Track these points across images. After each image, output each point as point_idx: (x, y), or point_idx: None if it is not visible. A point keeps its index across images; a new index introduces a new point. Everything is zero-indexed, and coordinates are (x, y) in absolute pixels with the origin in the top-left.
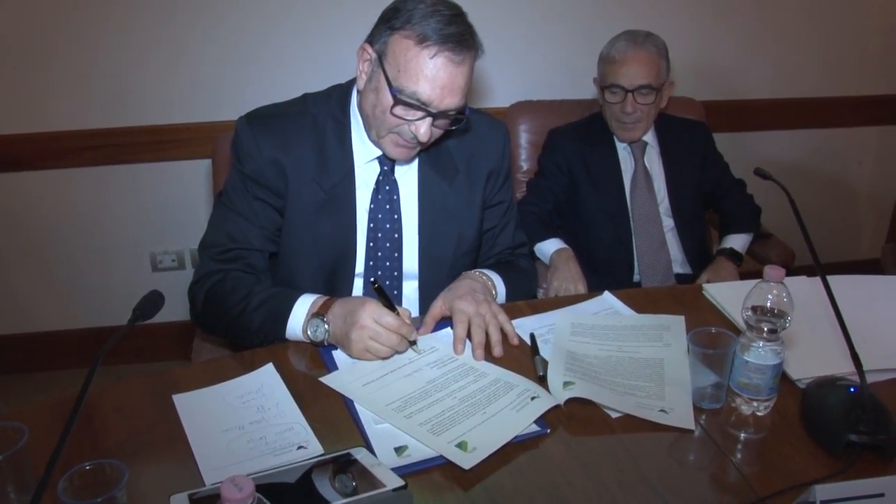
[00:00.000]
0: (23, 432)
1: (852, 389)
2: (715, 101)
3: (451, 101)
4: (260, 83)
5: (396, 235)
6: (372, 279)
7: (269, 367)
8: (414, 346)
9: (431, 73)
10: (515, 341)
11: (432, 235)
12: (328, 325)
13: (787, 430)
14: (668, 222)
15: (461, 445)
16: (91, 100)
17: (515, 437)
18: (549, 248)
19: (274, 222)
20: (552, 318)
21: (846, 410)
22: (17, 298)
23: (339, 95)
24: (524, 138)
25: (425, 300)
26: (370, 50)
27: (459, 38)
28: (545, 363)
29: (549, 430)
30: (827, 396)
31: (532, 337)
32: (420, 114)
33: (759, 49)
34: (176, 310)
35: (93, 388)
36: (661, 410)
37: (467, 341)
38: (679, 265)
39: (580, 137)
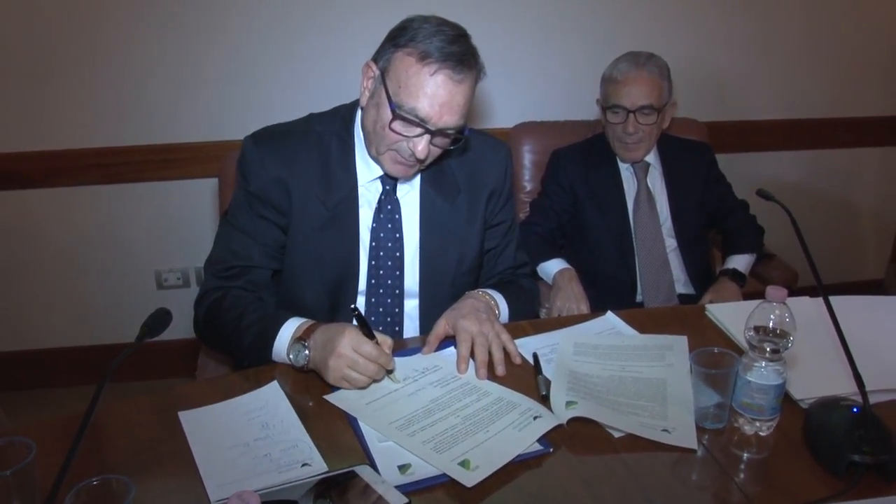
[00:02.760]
0: (30, 448)
1: (855, 410)
2: (718, 122)
3: (449, 120)
4: (268, 102)
5: (398, 254)
6: (352, 306)
7: (274, 385)
8: (391, 375)
9: (431, 90)
10: (518, 360)
11: (433, 255)
12: (309, 350)
13: (789, 450)
14: (670, 242)
15: (464, 464)
16: (98, 118)
17: (518, 456)
18: (552, 268)
19: (277, 240)
20: (555, 337)
21: (849, 431)
22: (23, 315)
23: (343, 115)
24: (528, 159)
25: (426, 319)
26: (374, 67)
27: (461, 56)
28: (548, 382)
29: (552, 449)
30: (830, 416)
31: (535, 356)
32: (418, 130)
33: (762, 70)
34: (181, 327)
35: (99, 405)
36: (664, 430)
37: (470, 361)
38: (682, 285)
39: (583, 158)
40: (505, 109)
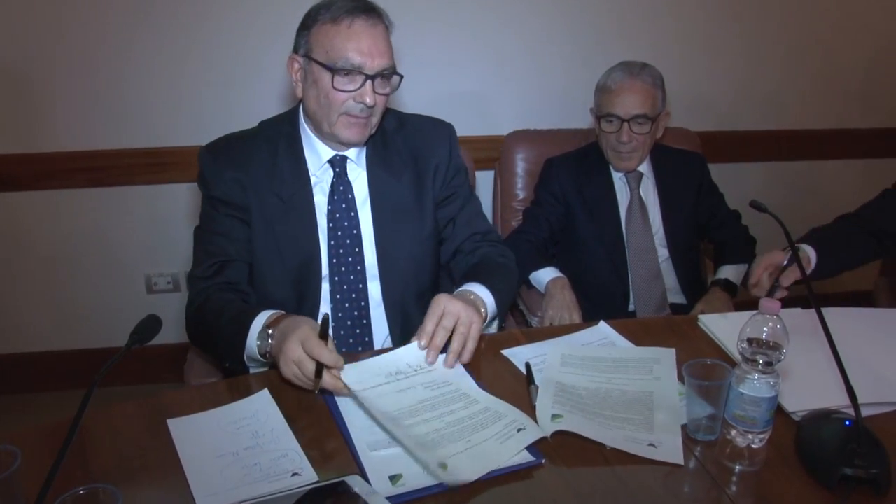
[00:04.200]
0: (15, 455)
1: (847, 423)
2: (711, 132)
3: (381, 62)
4: (260, 106)
5: (355, 232)
6: (326, 313)
7: (265, 393)
8: (316, 380)
9: (355, 40)
10: (465, 359)
11: (387, 231)
12: (271, 340)
13: (782, 462)
14: (662, 252)
15: (442, 466)
16: (87, 121)
17: (507, 468)
18: (544, 276)
19: (247, 235)
20: (546, 347)
21: (841, 444)
22: (10, 318)
23: (290, 113)
24: (521, 167)
25: (388, 298)
26: (296, 57)
27: (366, 6)
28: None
29: (544, 461)
30: (822, 429)
31: (528, 366)
32: (359, 79)
33: (754, 81)
34: (171, 332)
35: (86, 412)
36: (650, 444)
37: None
38: (673, 295)
39: (576, 167)
40: (498, 117)
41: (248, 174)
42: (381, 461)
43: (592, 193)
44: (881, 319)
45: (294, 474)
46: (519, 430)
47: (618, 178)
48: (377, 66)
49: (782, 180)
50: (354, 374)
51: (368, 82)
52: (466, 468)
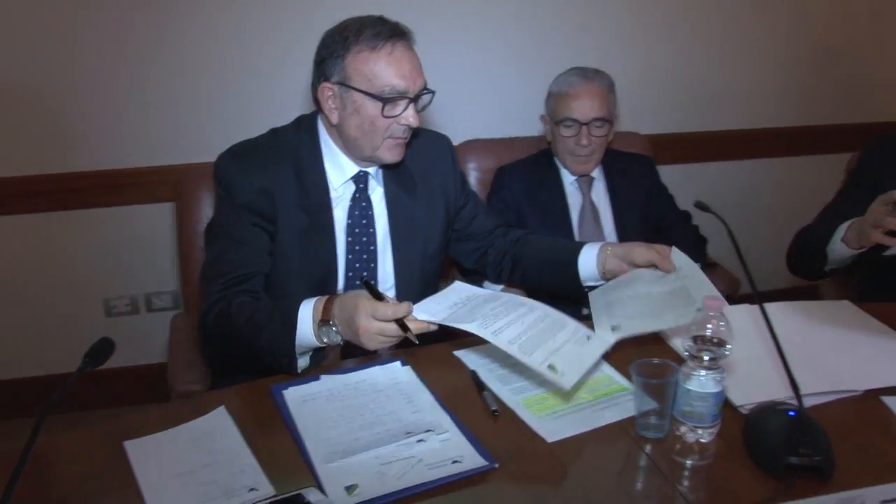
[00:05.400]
0: None
1: (791, 413)
2: (659, 135)
3: (420, 82)
4: (220, 125)
5: (372, 248)
6: (362, 278)
7: (221, 411)
8: (409, 333)
9: (397, 65)
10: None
11: (402, 244)
12: (337, 328)
13: (730, 455)
14: None
15: (551, 367)
16: (42, 144)
17: (460, 474)
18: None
19: (269, 245)
20: (492, 352)
21: (786, 434)
22: None
23: (306, 125)
24: (474, 176)
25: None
26: (330, 85)
27: (396, 28)
28: (495, 398)
29: (497, 465)
30: (768, 421)
31: (474, 374)
32: (403, 102)
33: (699, 83)
34: (131, 355)
35: (43, 437)
36: (698, 309)
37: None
38: None
39: (528, 174)
40: (450, 127)
41: (277, 185)
42: (337, 472)
43: (544, 199)
44: (822, 312)
45: (251, 489)
46: (588, 338)
47: (569, 184)
48: (417, 87)
49: (730, 179)
50: (426, 311)
51: (411, 105)
52: (569, 365)
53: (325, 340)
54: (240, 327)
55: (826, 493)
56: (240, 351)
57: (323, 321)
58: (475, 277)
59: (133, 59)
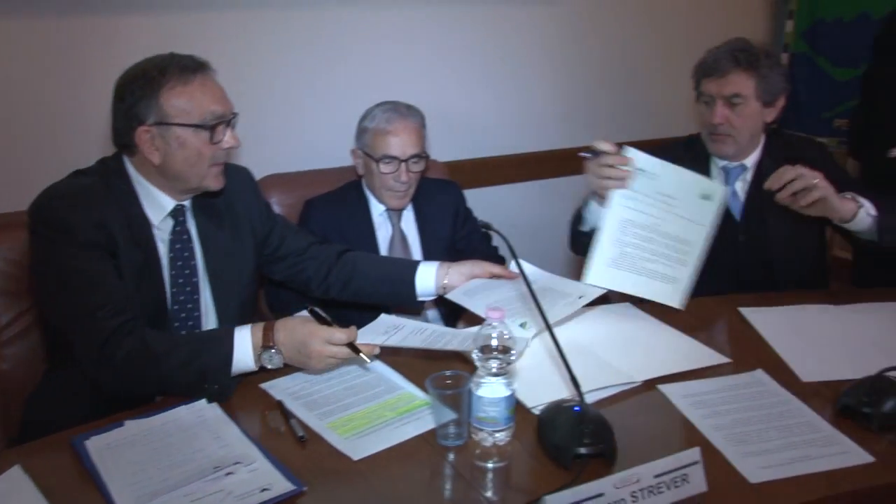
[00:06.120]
0: None
1: (576, 409)
2: (456, 161)
3: (230, 104)
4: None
5: (194, 279)
6: (308, 305)
7: (16, 470)
8: (361, 355)
9: (212, 93)
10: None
11: (219, 274)
12: (280, 353)
13: (526, 454)
14: None
15: (522, 325)
16: None
17: (271, 499)
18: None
19: (117, 277)
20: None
21: (573, 428)
22: None
23: (115, 168)
24: (278, 211)
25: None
26: (147, 127)
27: (196, 61)
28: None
29: (305, 488)
30: (556, 419)
31: (281, 404)
32: (222, 127)
33: (491, 111)
34: None
35: None
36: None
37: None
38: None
39: (336, 206)
40: (250, 162)
41: (109, 220)
42: None
43: (352, 231)
44: (607, 314)
45: None
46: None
47: (377, 215)
48: (230, 110)
49: (523, 199)
50: (369, 336)
51: (228, 128)
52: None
53: (268, 365)
54: (163, 357)
55: (608, 475)
56: (159, 381)
57: (265, 347)
58: (286, 291)
59: None
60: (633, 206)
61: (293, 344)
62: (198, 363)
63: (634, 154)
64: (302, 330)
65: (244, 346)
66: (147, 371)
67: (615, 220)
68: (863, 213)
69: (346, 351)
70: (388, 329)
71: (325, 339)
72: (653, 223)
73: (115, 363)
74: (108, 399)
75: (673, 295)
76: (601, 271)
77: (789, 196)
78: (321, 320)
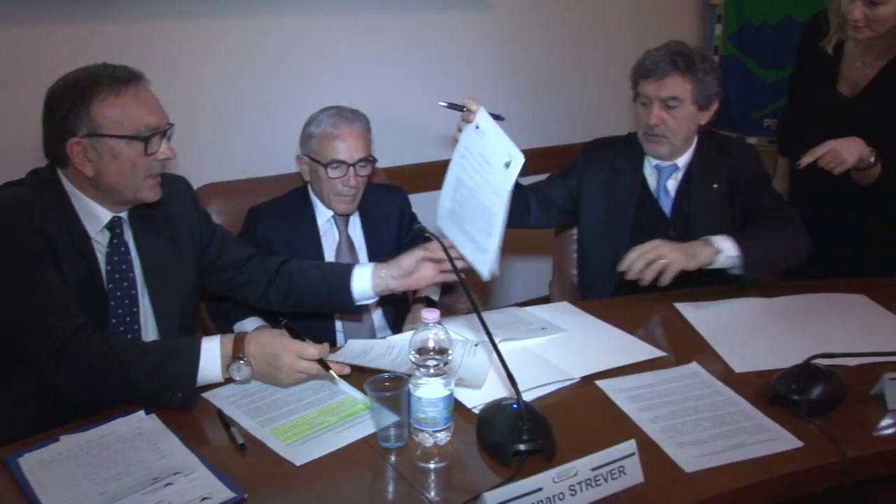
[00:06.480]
0: None
1: (515, 406)
2: (397, 167)
3: (165, 115)
4: None
5: (133, 292)
6: (282, 320)
7: None
8: (331, 371)
9: (145, 104)
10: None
11: (158, 286)
12: (250, 365)
13: (467, 452)
14: None
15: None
16: None
17: None
18: (249, 326)
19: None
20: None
21: (511, 425)
22: None
23: (48, 180)
24: (218, 220)
25: None
26: (78, 139)
27: (130, 71)
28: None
29: (245, 495)
30: (495, 417)
31: (220, 412)
32: (157, 139)
33: (423, 116)
34: None
35: None
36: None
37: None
38: (382, 330)
39: (281, 213)
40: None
41: (51, 230)
42: None
43: (298, 238)
44: (547, 313)
45: None
46: (476, 345)
47: (324, 221)
48: (165, 121)
49: None
50: (340, 357)
51: (164, 139)
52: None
53: (235, 377)
54: (130, 361)
55: (547, 470)
56: (123, 386)
57: (234, 357)
58: (228, 302)
59: None
60: (464, 167)
61: (264, 356)
62: (164, 370)
63: (481, 110)
64: (274, 343)
65: (212, 356)
66: (112, 375)
67: (453, 175)
68: (722, 257)
69: (316, 366)
70: (357, 354)
71: (296, 353)
72: (472, 188)
73: (79, 365)
74: (57, 412)
75: (482, 265)
76: (444, 219)
77: (636, 273)
78: (294, 335)
